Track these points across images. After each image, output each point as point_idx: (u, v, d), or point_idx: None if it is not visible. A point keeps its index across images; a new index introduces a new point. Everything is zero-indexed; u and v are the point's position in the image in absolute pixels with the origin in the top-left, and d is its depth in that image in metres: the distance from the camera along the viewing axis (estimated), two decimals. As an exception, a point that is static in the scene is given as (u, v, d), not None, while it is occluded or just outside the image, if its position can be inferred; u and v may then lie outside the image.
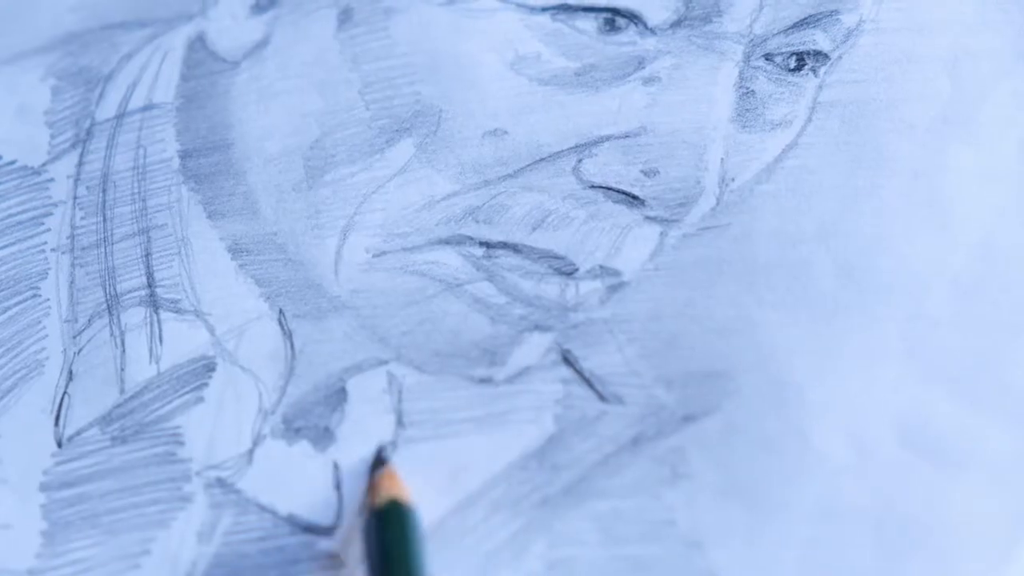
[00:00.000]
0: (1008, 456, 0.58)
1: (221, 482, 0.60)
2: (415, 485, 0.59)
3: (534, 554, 0.58)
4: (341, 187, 0.63)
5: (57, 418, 0.61)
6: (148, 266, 0.63)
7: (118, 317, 0.63)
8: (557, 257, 0.61)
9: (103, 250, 0.64)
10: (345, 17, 0.65)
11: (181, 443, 0.61)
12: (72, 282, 0.63)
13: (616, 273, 0.61)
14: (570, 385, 0.60)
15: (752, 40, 0.62)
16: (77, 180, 0.65)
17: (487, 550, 0.58)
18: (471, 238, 0.61)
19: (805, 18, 0.63)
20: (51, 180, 0.65)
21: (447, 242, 0.62)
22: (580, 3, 0.62)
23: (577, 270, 0.61)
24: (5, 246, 0.64)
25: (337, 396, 0.61)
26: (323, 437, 0.60)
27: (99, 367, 0.62)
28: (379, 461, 0.59)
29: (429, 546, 0.58)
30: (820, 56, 0.63)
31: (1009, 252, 0.61)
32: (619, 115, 0.62)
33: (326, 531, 0.59)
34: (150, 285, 0.63)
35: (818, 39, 0.63)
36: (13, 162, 0.66)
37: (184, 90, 0.66)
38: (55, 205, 0.65)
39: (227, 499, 0.60)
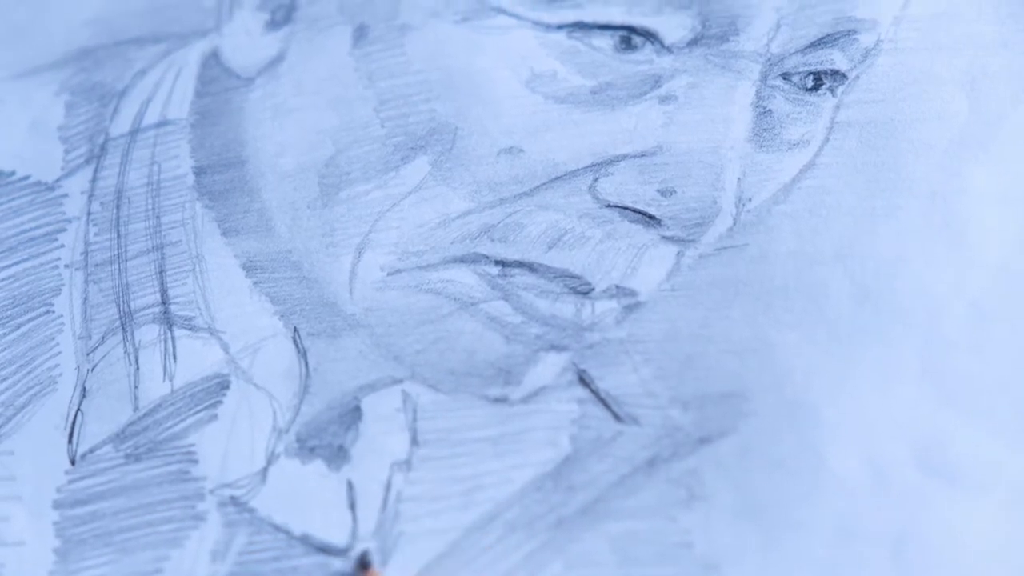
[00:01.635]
0: (1026, 479, 0.58)
1: (235, 501, 0.60)
2: (429, 505, 0.59)
3: (549, 576, 0.58)
4: (356, 205, 0.63)
5: (71, 435, 0.61)
6: (162, 283, 0.63)
7: (132, 334, 0.62)
8: (573, 276, 0.61)
9: (117, 267, 0.64)
10: (360, 34, 0.64)
11: (195, 461, 0.60)
12: (86, 299, 0.63)
13: (632, 293, 0.61)
14: (586, 405, 0.60)
15: (769, 59, 0.62)
16: (91, 196, 0.65)
17: (502, 571, 0.58)
18: (486, 256, 0.61)
19: (823, 37, 0.62)
20: (65, 196, 0.65)
21: (462, 260, 0.61)
22: (596, 21, 0.62)
23: (593, 290, 0.61)
24: (18, 262, 0.64)
25: (352, 415, 0.61)
26: (337, 456, 0.60)
27: (113, 384, 0.62)
28: (363, 564, 0.58)
29: (444, 565, 0.58)
30: (838, 76, 0.63)
31: (1027, 274, 0.61)
32: (635, 134, 0.62)
33: (340, 551, 0.59)
34: (164, 302, 0.63)
35: (836, 58, 0.62)
36: (27, 177, 0.66)
37: (198, 106, 0.66)
38: (69, 221, 0.65)
39: (241, 518, 0.60)
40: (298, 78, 0.65)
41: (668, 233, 0.61)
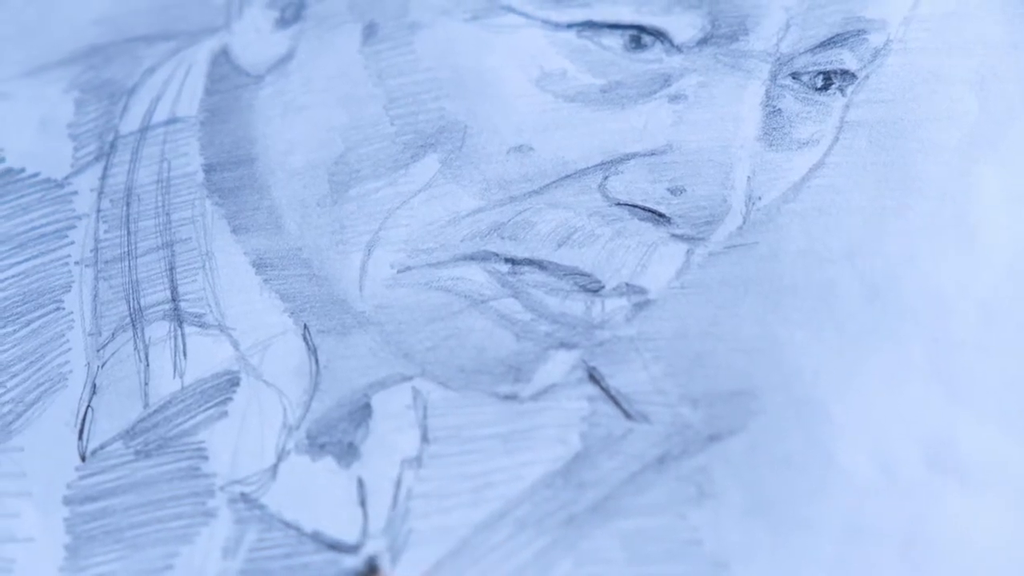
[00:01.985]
0: (1035, 478, 0.58)
1: (245, 497, 0.60)
2: (439, 502, 0.59)
3: (560, 573, 0.58)
4: (366, 202, 0.63)
5: (81, 432, 0.61)
6: (172, 280, 0.63)
7: (142, 331, 0.63)
8: (583, 274, 0.61)
9: (127, 263, 0.64)
10: (370, 32, 0.64)
11: (205, 458, 0.61)
12: (96, 295, 0.63)
13: (642, 291, 0.61)
14: (596, 403, 0.60)
15: (779, 59, 0.62)
16: (101, 193, 0.65)
17: (512, 569, 0.58)
18: (496, 254, 0.61)
19: (832, 37, 0.62)
20: (75, 193, 0.65)
21: (472, 258, 0.62)
22: (606, 20, 0.62)
23: (603, 287, 0.61)
24: (29, 259, 0.64)
25: (362, 412, 0.61)
26: (348, 453, 0.60)
27: (123, 381, 0.62)
28: (372, 568, 0.58)
29: (455, 564, 0.58)
30: (847, 75, 0.63)
31: (1036, 273, 0.61)
32: (645, 132, 0.62)
33: (351, 548, 0.59)
34: (174, 299, 0.63)
35: (845, 58, 0.63)
36: (37, 174, 0.66)
37: (208, 104, 0.66)
38: (79, 218, 0.65)
39: (251, 515, 0.60)
40: (308, 76, 0.65)
41: (678, 231, 0.61)
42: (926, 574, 0.56)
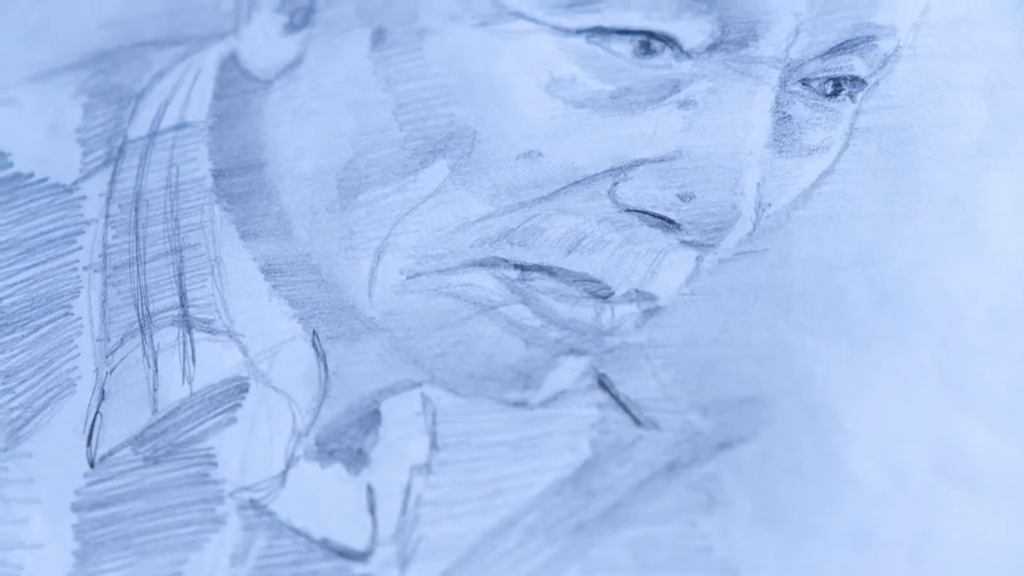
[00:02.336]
0: (1045, 486, 0.58)
1: (254, 504, 0.60)
2: (448, 509, 0.59)
3: (569, 580, 0.58)
4: (375, 208, 0.63)
5: (89, 438, 0.61)
6: (181, 286, 0.63)
7: (151, 337, 0.62)
8: (592, 280, 0.61)
9: (135, 269, 0.64)
10: (379, 37, 0.64)
11: (214, 464, 0.61)
12: (104, 301, 0.63)
13: (652, 297, 0.61)
14: (605, 410, 0.60)
15: (788, 65, 0.62)
16: (109, 198, 0.65)
17: (521, 576, 0.58)
18: (506, 260, 0.61)
19: (842, 43, 0.62)
20: (83, 198, 0.65)
21: (482, 264, 0.61)
22: (615, 26, 0.62)
23: (612, 294, 0.61)
24: (37, 264, 0.64)
25: (371, 418, 0.61)
26: (357, 460, 0.60)
27: (132, 387, 0.62)
28: None
29: (464, 571, 0.58)
30: (857, 81, 0.63)
31: (1046, 280, 0.61)
32: (654, 139, 0.62)
33: (360, 556, 0.59)
34: (183, 305, 0.63)
35: (855, 64, 0.62)
36: (45, 179, 0.66)
37: (217, 109, 0.66)
38: (87, 223, 0.65)
39: (260, 521, 0.60)
40: (316, 81, 0.65)
41: (688, 238, 0.61)
42: (936, 582, 0.57)
